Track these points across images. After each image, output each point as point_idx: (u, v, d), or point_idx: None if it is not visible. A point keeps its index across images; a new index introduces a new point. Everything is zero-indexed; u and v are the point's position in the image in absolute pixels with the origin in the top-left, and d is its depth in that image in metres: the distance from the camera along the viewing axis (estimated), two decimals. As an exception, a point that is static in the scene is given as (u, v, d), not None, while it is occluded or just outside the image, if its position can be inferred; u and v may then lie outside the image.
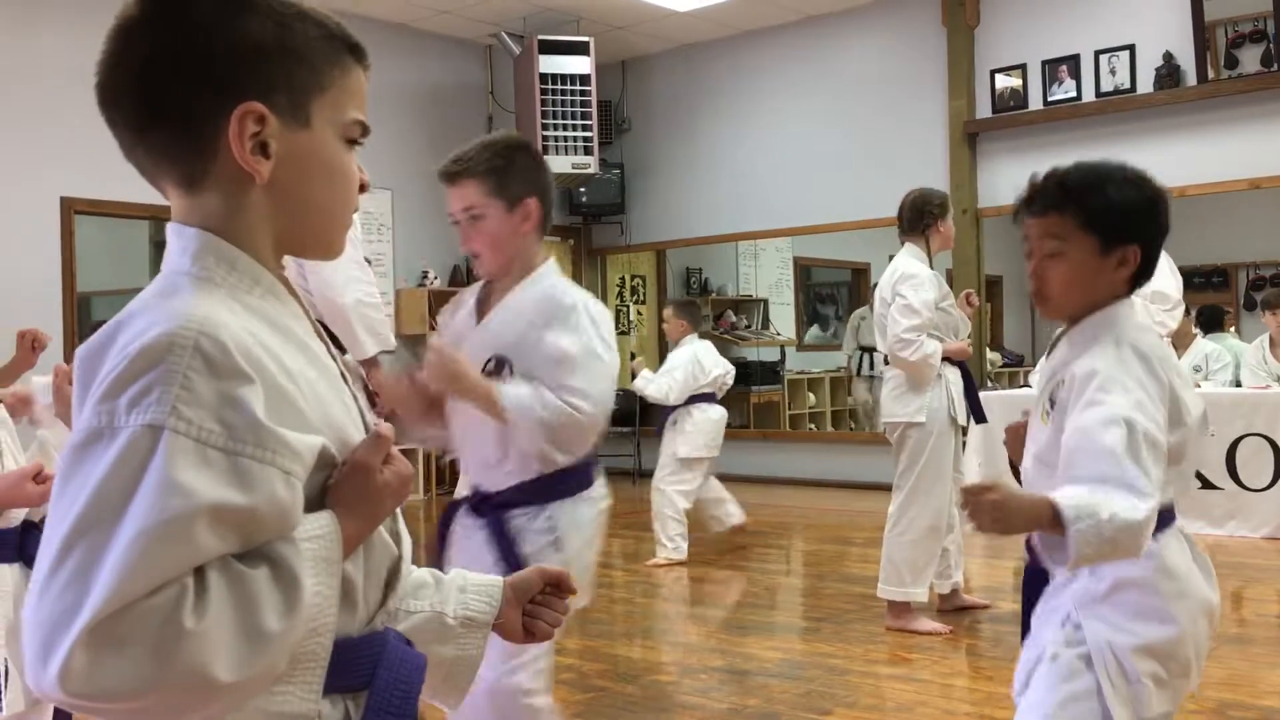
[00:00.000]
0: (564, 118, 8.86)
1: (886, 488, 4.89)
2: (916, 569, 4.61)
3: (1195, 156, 7.34)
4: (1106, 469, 1.70)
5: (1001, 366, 10.31)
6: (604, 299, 9.96)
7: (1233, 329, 8.58)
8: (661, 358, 10.13)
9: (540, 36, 8.86)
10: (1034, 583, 1.99)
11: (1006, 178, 8.17)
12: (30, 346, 2.79)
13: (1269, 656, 4.20)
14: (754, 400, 10.29)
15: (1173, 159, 7.07)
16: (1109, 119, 7.78)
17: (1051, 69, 8.06)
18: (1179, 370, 1.95)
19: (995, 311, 10.62)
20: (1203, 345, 7.60)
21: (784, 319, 11.31)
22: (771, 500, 6.80)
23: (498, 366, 2.33)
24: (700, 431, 6.28)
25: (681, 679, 4.14)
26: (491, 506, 2.34)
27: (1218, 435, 6.25)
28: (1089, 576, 1.89)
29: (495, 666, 2.26)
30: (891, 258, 4.82)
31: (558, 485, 2.32)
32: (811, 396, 10.88)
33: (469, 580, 1.30)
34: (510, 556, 2.26)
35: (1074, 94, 7.96)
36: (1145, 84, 7.68)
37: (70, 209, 7.35)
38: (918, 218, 4.70)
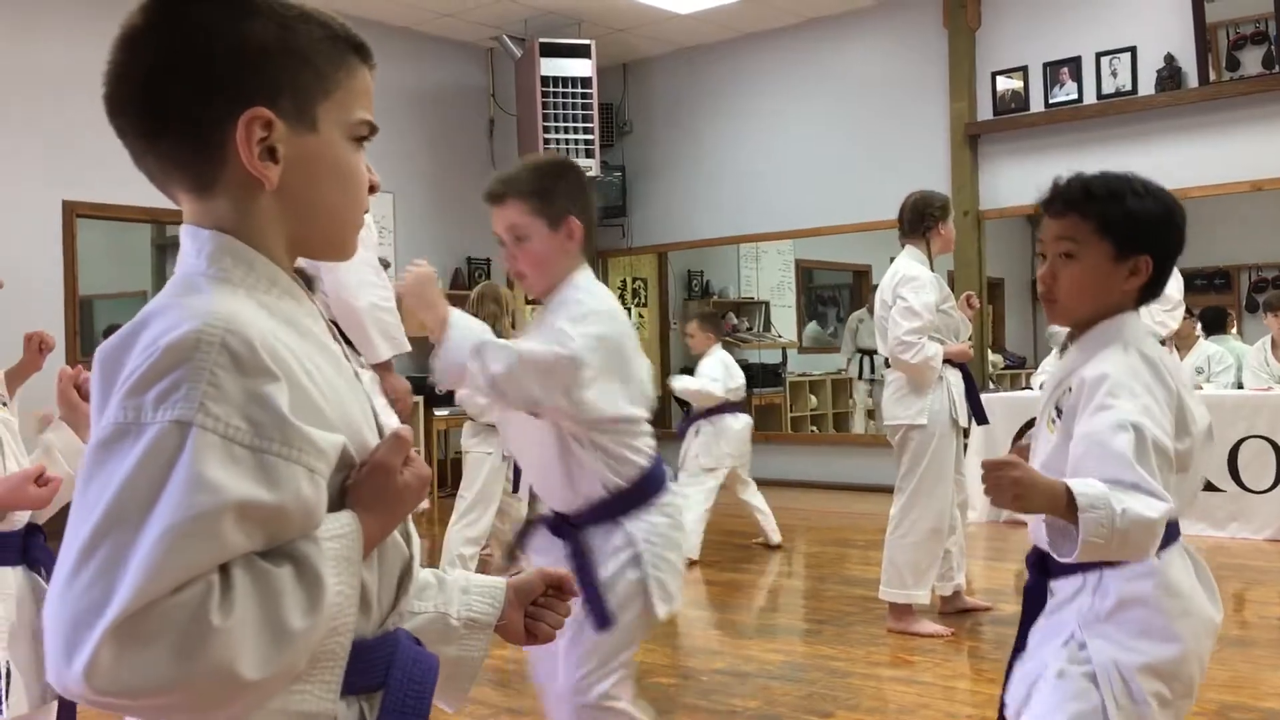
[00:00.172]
0: (565, 120, 8.87)
1: (888, 490, 4.89)
2: (918, 571, 4.60)
3: (1197, 158, 7.34)
4: (1116, 473, 1.70)
5: (1003, 369, 10.31)
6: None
7: (1234, 331, 8.58)
8: (663, 361, 10.17)
9: (542, 39, 8.87)
10: (1034, 598, 1.98)
11: (1008, 180, 8.19)
12: (37, 349, 2.78)
13: (1271, 659, 4.19)
14: (756, 402, 10.27)
15: (1174, 161, 7.07)
16: (1110, 121, 7.79)
17: (1053, 71, 8.06)
18: (1185, 379, 1.96)
19: (996, 314, 10.62)
20: (1205, 347, 7.61)
21: (785, 321, 11.31)
22: (773, 502, 6.80)
23: None
24: (725, 440, 6.38)
25: (683, 681, 4.14)
26: (569, 526, 2.35)
27: (1219, 437, 6.24)
28: (1093, 594, 1.88)
29: (571, 673, 2.29)
30: (893, 260, 4.82)
31: (628, 499, 2.32)
32: (813, 399, 10.88)
33: (471, 581, 1.31)
34: (587, 579, 2.25)
35: (1075, 96, 7.96)
36: (1147, 86, 7.68)
37: (72, 213, 7.36)
38: (918, 220, 4.70)
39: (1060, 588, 1.94)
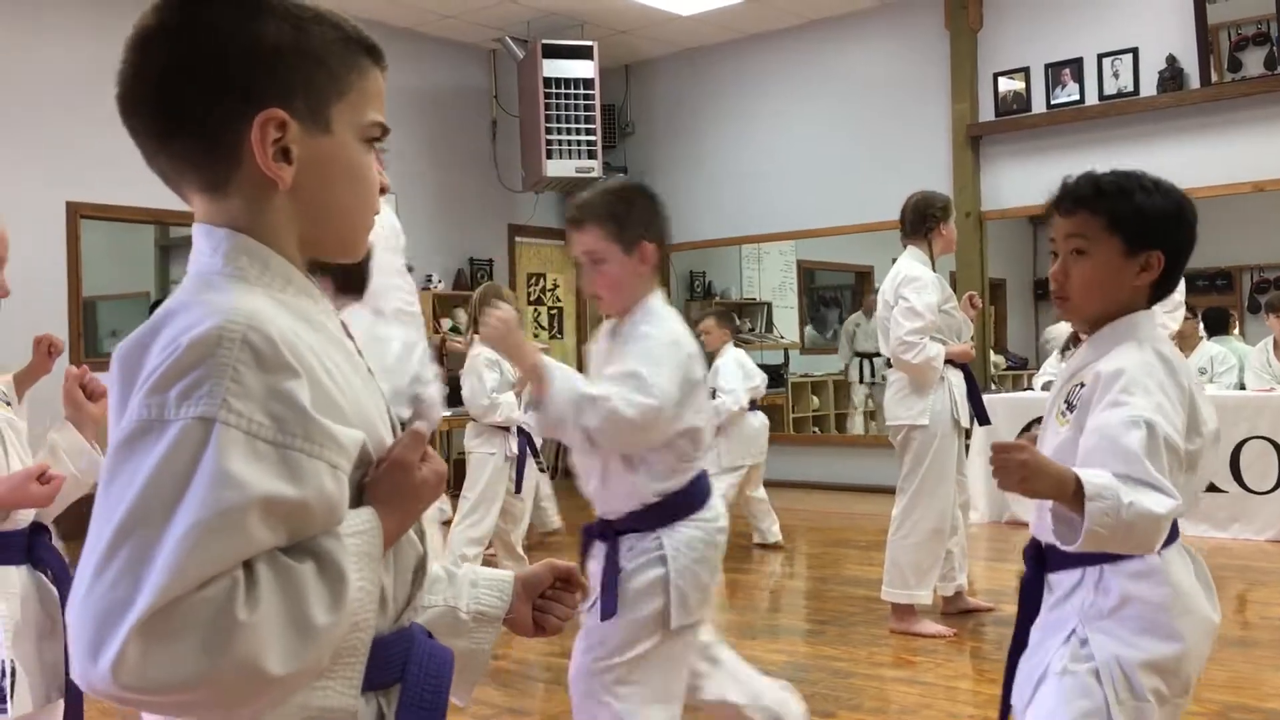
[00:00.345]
0: (568, 122, 8.88)
1: (890, 490, 4.90)
2: (920, 571, 4.61)
3: (1199, 159, 7.34)
4: (1126, 468, 1.71)
5: (1005, 369, 10.30)
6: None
7: (1236, 331, 8.58)
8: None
9: (544, 41, 8.88)
10: (1032, 594, 1.99)
11: (1009, 181, 8.20)
12: (46, 352, 2.79)
13: (1273, 659, 4.20)
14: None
15: (1176, 162, 7.06)
16: (1112, 122, 7.79)
17: (1054, 72, 8.06)
18: (1197, 381, 1.97)
19: (998, 314, 10.62)
20: (1207, 348, 7.61)
21: (788, 322, 11.30)
22: (775, 503, 6.81)
23: None
24: (747, 439, 6.45)
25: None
26: (612, 531, 2.45)
27: (1222, 438, 6.24)
28: (1094, 591, 1.89)
29: (580, 656, 2.40)
30: (894, 261, 4.83)
31: (666, 510, 2.41)
32: (815, 399, 10.88)
33: (480, 575, 1.32)
34: (612, 568, 2.37)
35: (1077, 97, 7.96)
36: (1148, 87, 7.69)
37: (76, 213, 7.37)
38: (920, 220, 4.71)
39: (1058, 581, 1.94)
